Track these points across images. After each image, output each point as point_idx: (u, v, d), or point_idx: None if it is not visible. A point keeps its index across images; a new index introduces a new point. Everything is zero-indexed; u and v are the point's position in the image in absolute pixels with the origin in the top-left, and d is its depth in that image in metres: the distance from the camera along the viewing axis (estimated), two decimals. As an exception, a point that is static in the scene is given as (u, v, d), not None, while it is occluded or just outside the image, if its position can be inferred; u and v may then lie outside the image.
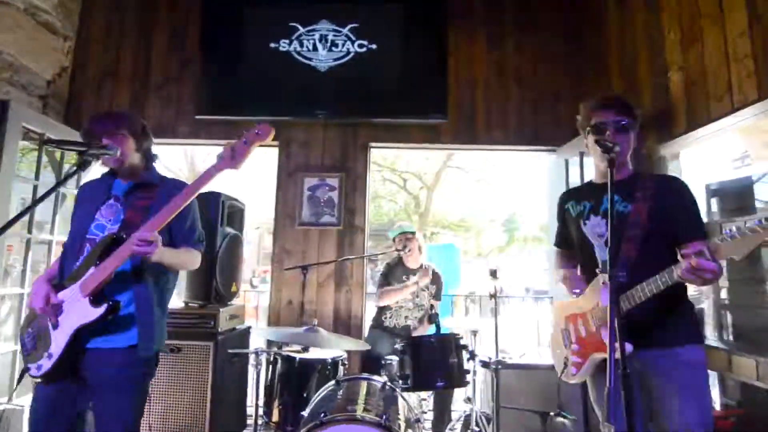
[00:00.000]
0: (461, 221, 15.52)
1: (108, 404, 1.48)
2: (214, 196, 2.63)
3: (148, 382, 1.58)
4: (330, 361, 2.16)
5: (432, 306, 2.61)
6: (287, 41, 3.26)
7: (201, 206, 2.56)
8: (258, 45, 3.27)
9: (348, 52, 3.24)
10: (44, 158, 2.90)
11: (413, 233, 2.95)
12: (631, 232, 1.40)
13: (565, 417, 2.35)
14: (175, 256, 1.59)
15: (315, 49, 3.25)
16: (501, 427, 2.26)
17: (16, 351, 2.61)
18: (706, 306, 2.41)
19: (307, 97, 3.21)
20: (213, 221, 2.59)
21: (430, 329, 2.27)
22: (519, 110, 3.30)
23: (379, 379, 1.98)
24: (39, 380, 1.50)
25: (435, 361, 2.03)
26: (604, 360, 1.43)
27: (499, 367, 2.28)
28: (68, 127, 3.04)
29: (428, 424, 2.63)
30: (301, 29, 3.27)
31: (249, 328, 2.89)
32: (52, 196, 2.61)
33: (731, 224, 2.20)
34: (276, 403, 2.14)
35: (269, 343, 2.57)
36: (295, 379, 2.13)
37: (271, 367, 2.24)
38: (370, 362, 2.61)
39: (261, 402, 2.19)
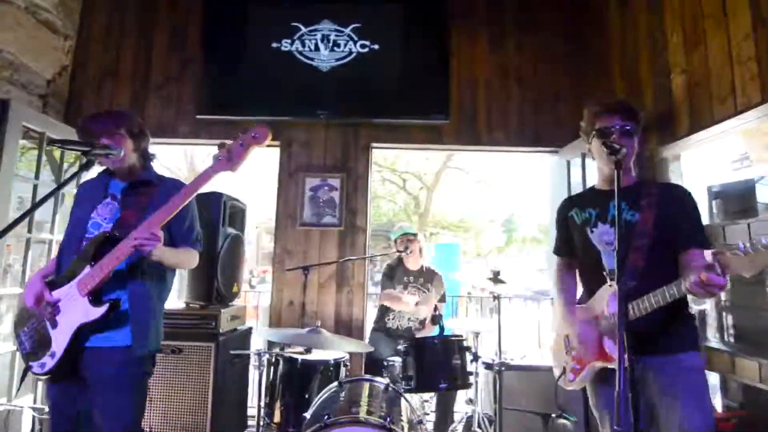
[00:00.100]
0: (460, 222, 15.53)
1: (108, 403, 1.48)
2: (215, 197, 2.62)
3: (146, 381, 1.58)
4: (332, 362, 2.16)
5: (435, 307, 2.61)
6: (289, 41, 3.25)
7: (203, 206, 2.57)
8: (260, 45, 3.26)
9: (350, 52, 3.23)
10: (43, 157, 2.88)
11: (415, 235, 2.95)
12: (639, 242, 1.41)
13: (566, 419, 2.35)
14: (175, 255, 1.60)
15: (317, 49, 3.24)
16: (503, 428, 2.26)
17: (15, 351, 2.59)
18: (708, 308, 2.41)
19: (308, 97, 3.21)
20: (215, 221, 2.58)
21: (434, 330, 2.26)
22: (520, 111, 3.29)
23: (382, 381, 1.97)
24: (44, 378, 1.50)
25: (438, 363, 2.03)
26: (603, 369, 1.45)
27: (503, 368, 2.28)
28: (68, 127, 3.02)
29: (430, 426, 2.62)
30: (303, 29, 3.26)
31: (250, 328, 2.88)
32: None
33: (734, 226, 2.21)
34: (278, 404, 2.14)
35: (270, 343, 2.56)
36: (297, 380, 2.12)
37: (272, 368, 2.23)
38: (372, 364, 2.61)
39: (263, 403, 2.18)
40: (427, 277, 2.90)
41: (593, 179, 1.85)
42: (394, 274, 2.91)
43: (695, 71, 2.27)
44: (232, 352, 2.41)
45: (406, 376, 2.02)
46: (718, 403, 2.43)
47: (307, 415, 1.80)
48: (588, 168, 2.93)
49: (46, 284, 1.51)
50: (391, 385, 1.93)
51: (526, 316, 5.43)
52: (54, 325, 1.47)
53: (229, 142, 1.49)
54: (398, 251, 2.88)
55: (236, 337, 2.64)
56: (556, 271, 1.74)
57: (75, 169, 3.32)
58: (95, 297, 1.45)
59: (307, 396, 2.07)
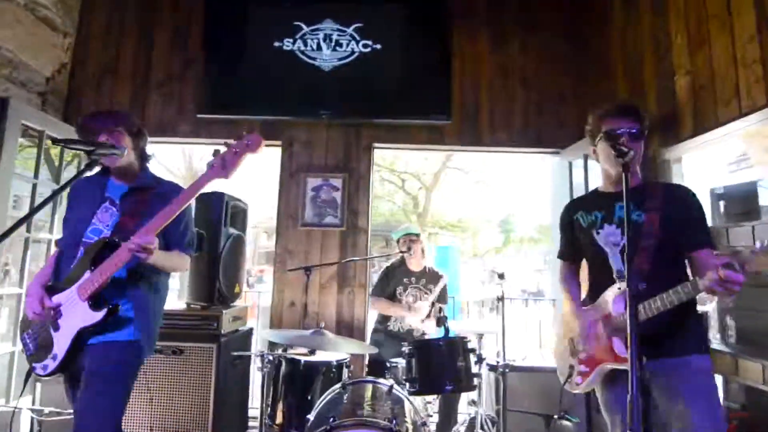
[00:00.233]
0: (458, 222, 15.54)
1: (92, 395, 1.47)
2: (217, 197, 2.60)
3: (134, 380, 1.58)
4: (335, 363, 2.14)
5: (440, 309, 2.60)
6: (291, 40, 3.23)
7: (205, 207, 2.56)
8: (261, 44, 3.24)
9: (352, 52, 3.22)
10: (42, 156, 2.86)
11: (418, 235, 2.92)
12: (645, 243, 1.41)
13: (568, 420, 2.35)
14: (167, 259, 1.63)
15: (319, 48, 3.22)
16: (506, 430, 2.25)
17: (14, 352, 2.57)
18: (710, 309, 2.41)
19: (310, 96, 3.19)
20: (216, 222, 2.56)
21: (439, 332, 2.25)
22: (523, 111, 3.29)
23: (385, 383, 1.96)
24: (48, 378, 1.54)
25: (443, 365, 2.01)
26: (612, 370, 1.44)
27: (507, 370, 2.27)
28: (67, 125, 3.00)
29: (433, 427, 2.61)
30: (306, 28, 3.24)
31: (251, 329, 2.86)
32: (50, 193, 2.57)
33: (737, 228, 2.21)
34: (280, 406, 2.12)
35: (271, 344, 2.54)
36: (299, 382, 2.10)
37: (274, 369, 2.21)
38: (374, 365, 2.59)
39: (265, 404, 2.16)
40: (429, 279, 2.88)
41: (595, 181, 1.85)
42: (394, 275, 2.88)
43: (699, 73, 2.27)
44: (234, 354, 2.39)
45: (410, 377, 2.00)
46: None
47: (311, 416, 1.79)
48: (590, 169, 2.92)
49: (46, 290, 1.55)
50: (395, 386, 1.92)
51: (526, 317, 5.43)
52: (56, 328, 1.51)
53: (223, 149, 1.51)
54: (401, 252, 2.86)
55: (238, 338, 2.63)
56: (561, 276, 1.74)
57: (73, 167, 3.30)
58: (95, 301, 1.47)
59: (309, 397, 2.05)
